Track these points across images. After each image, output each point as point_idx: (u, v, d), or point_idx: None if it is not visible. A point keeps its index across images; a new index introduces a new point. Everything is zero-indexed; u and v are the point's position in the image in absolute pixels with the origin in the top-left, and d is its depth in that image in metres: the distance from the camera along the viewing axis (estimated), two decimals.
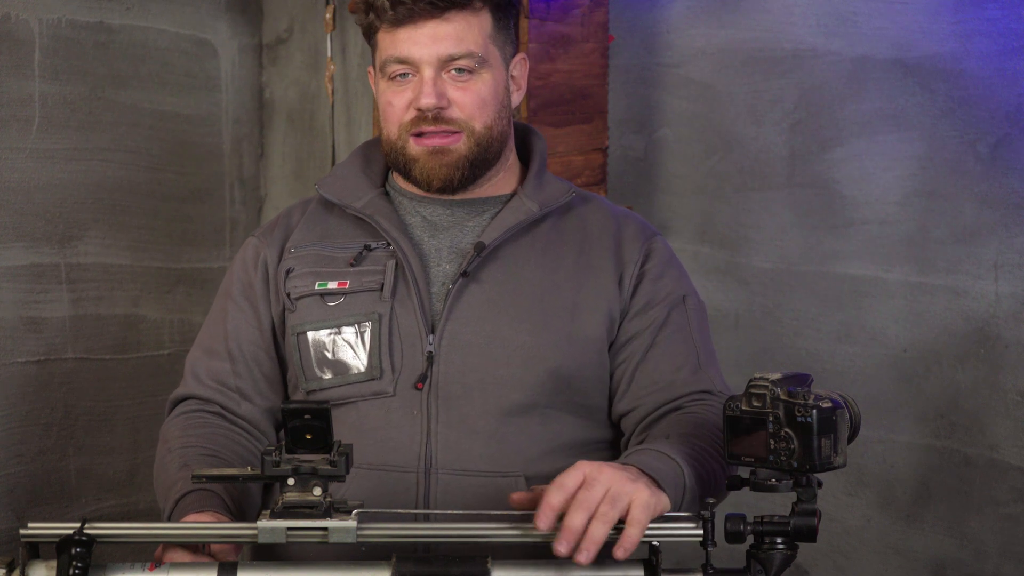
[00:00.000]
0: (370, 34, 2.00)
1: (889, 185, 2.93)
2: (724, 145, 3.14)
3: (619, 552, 1.58)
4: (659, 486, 1.66)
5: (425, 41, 1.93)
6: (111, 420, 3.07)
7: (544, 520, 1.59)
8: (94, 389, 3.04)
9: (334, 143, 3.33)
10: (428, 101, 1.92)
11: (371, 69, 2.05)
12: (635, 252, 2.01)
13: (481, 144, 1.97)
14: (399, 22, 1.93)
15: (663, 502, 1.65)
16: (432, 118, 1.93)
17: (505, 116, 2.00)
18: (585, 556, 1.58)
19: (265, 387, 2.02)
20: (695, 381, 1.94)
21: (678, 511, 1.69)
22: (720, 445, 1.83)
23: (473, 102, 1.95)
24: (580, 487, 1.61)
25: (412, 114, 1.94)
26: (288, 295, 1.99)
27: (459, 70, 1.94)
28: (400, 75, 1.95)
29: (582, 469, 1.63)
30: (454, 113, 1.94)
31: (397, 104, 1.96)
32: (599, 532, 1.58)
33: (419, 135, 1.95)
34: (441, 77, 1.94)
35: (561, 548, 1.58)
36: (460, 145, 1.96)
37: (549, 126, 2.96)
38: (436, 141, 1.95)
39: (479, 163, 1.98)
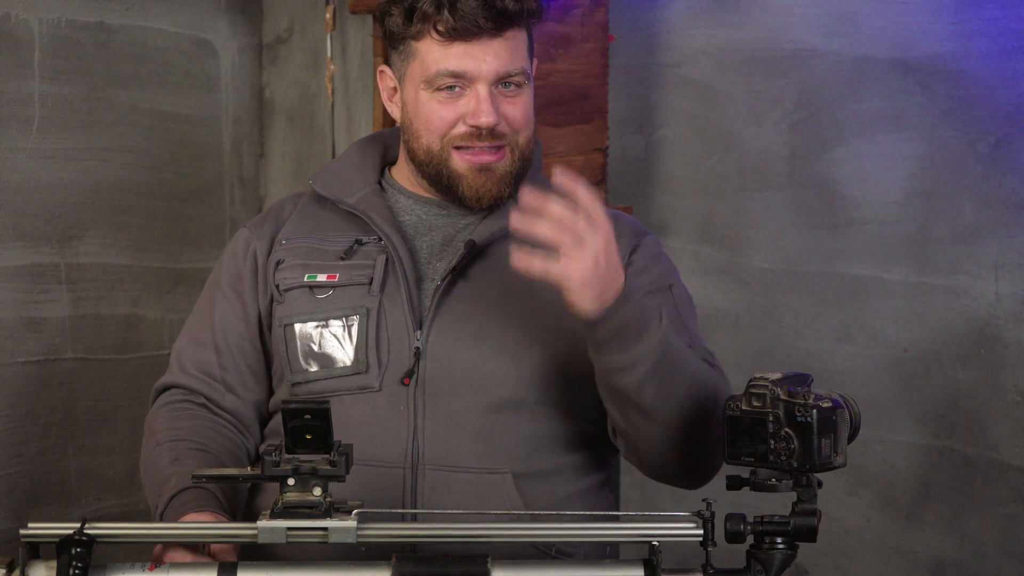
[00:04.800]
0: (403, 39, 1.96)
1: (889, 185, 2.93)
2: (724, 145, 3.13)
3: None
4: (622, 300, 1.73)
5: (485, 57, 1.92)
6: (111, 420, 3.07)
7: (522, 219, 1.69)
8: (94, 389, 3.04)
9: (334, 143, 3.33)
10: (489, 119, 1.92)
11: (386, 68, 2.03)
12: (623, 247, 2.01)
13: (523, 156, 1.98)
14: (456, 36, 1.91)
15: (606, 298, 1.72)
16: (486, 134, 1.93)
17: (535, 127, 2.02)
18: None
19: (250, 380, 2.03)
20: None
21: (636, 342, 1.74)
22: (707, 379, 1.85)
23: (522, 116, 1.96)
24: (582, 227, 1.69)
25: (462, 129, 1.93)
26: (277, 286, 1.99)
27: (507, 84, 1.95)
28: (448, 87, 1.93)
29: (605, 237, 1.72)
30: (504, 129, 1.94)
31: (446, 117, 1.94)
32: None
33: (463, 149, 1.94)
34: (492, 92, 1.93)
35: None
36: (505, 161, 1.96)
37: (549, 126, 2.96)
38: (484, 158, 1.95)
39: (519, 176, 1.99)
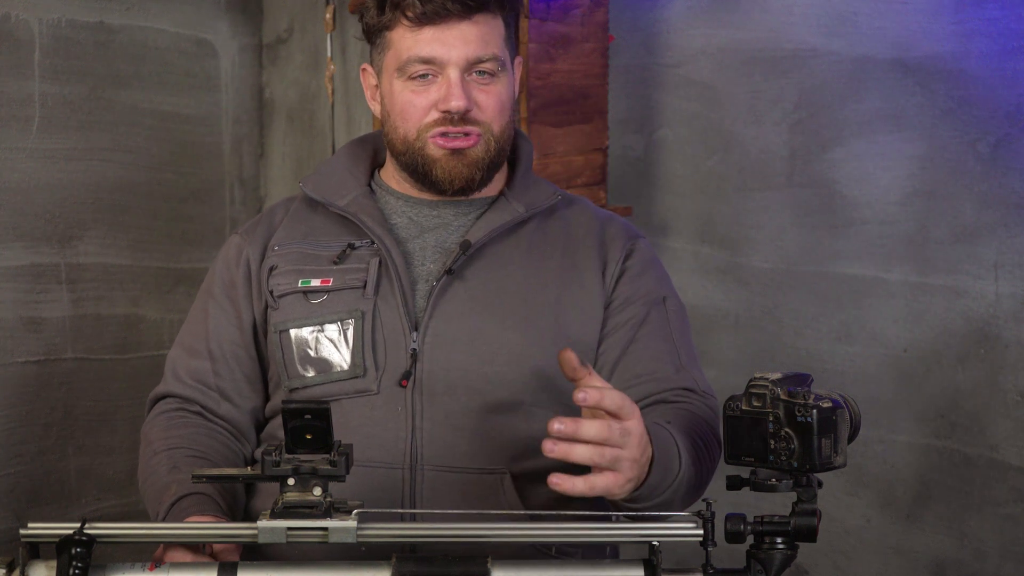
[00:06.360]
0: (378, 30, 1.98)
1: (889, 185, 2.93)
2: (724, 145, 3.14)
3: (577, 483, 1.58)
4: (647, 480, 1.68)
5: (454, 42, 1.92)
6: (111, 420, 3.08)
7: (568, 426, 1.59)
8: (94, 389, 3.04)
9: (334, 143, 3.33)
10: (459, 103, 1.91)
11: (367, 66, 2.04)
12: (617, 251, 2.02)
13: (498, 146, 1.97)
14: (426, 21, 1.92)
15: (641, 478, 1.67)
16: (458, 119, 1.93)
17: (513, 119, 2.02)
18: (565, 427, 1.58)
19: (245, 387, 2.03)
20: (678, 378, 1.95)
21: (647, 499, 1.71)
22: (709, 445, 1.85)
23: (495, 105, 1.95)
24: (617, 441, 1.60)
25: (434, 116, 1.94)
26: (271, 292, 1.99)
27: (481, 72, 1.94)
28: (421, 75, 1.94)
29: (637, 435, 1.62)
30: (477, 115, 1.94)
31: (419, 104, 1.94)
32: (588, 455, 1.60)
33: (441, 135, 1.94)
34: (465, 79, 1.93)
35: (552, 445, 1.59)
36: (479, 147, 1.96)
37: (549, 126, 2.96)
38: (458, 143, 1.94)
39: (494, 165, 1.99)
